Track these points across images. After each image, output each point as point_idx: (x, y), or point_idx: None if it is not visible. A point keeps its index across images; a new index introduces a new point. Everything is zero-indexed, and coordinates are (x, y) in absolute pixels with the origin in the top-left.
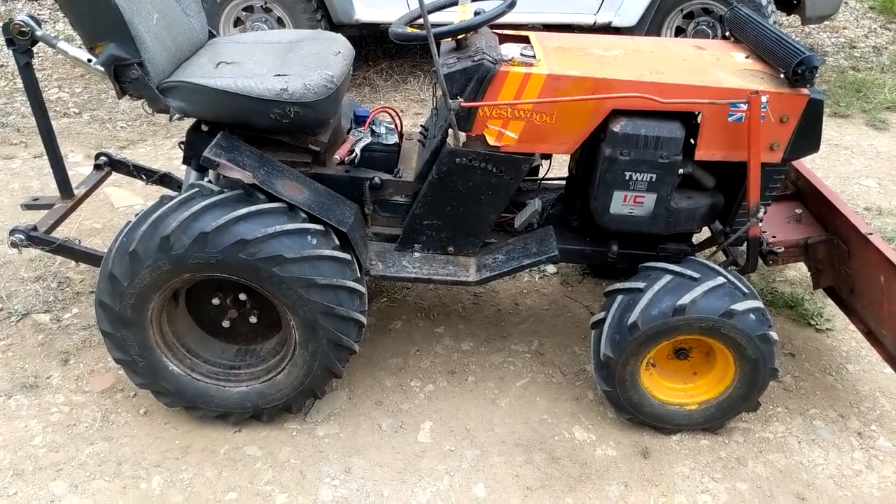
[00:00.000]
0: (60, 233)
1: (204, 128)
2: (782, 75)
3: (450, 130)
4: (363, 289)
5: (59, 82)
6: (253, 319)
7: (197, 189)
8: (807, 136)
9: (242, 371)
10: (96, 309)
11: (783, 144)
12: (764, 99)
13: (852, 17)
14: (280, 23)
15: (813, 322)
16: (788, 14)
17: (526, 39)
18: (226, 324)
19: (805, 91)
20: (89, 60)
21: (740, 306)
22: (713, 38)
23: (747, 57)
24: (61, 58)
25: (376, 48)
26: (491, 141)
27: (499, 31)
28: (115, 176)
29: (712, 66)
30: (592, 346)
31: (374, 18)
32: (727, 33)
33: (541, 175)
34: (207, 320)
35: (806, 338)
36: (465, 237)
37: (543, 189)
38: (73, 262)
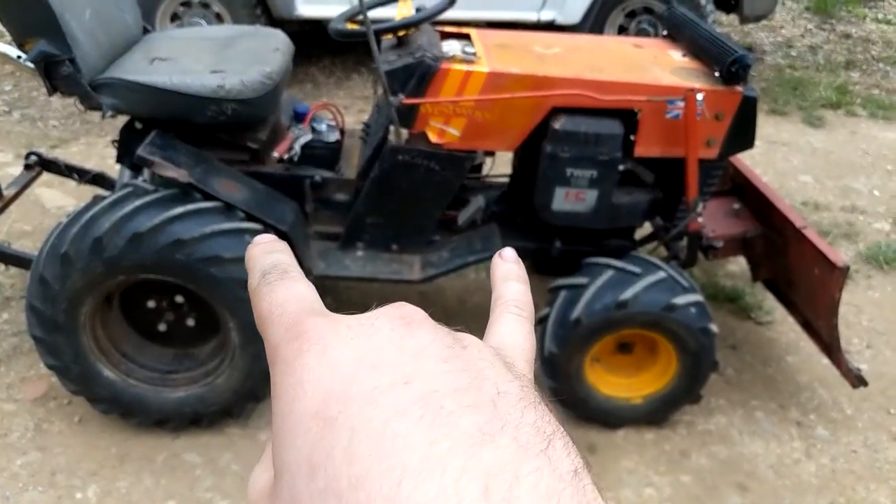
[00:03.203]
0: None
1: (138, 125)
2: (717, 73)
3: (391, 127)
4: None
5: None
6: (190, 322)
7: (131, 188)
8: (742, 133)
9: (180, 375)
10: (27, 314)
11: (719, 140)
12: (700, 96)
13: (789, 17)
14: (219, 18)
15: (753, 315)
16: (727, 13)
17: (467, 37)
18: (162, 327)
19: (739, 88)
20: (19, 57)
21: (681, 300)
22: (654, 36)
23: (684, 55)
24: None
25: (318, 44)
26: (433, 138)
27: (440, 29)
28: (46, 176)
29: (650, 64)
30: (537, 343)
31: (315, 14)
32: (665, 32)
33: (484, 172)
34: (143, 324)
35: (747, 330)
36: (409, 235)
37: (487, 186)
38: (3, 266)
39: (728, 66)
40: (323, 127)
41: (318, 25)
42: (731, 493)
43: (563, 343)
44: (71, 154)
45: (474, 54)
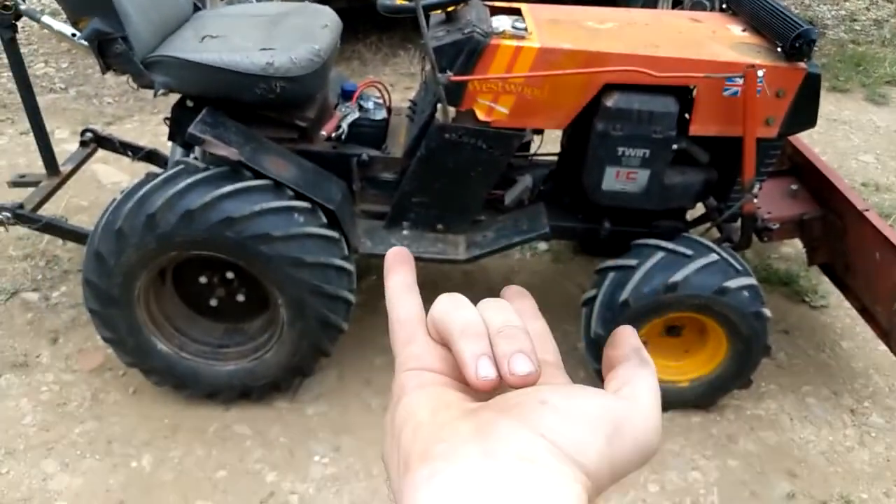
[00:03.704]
0: (47, 210)
1: (189, 103)
2: (779, 49)
3: (439, 105)
4: (351, 267)
5: (45, 57)
6: (240, 298)
7: (182, 166)
8: (803, 111)
9: (230, 350)
10: (83, 287)
11: (779, 119)
12: (760, 73)
13: None
14: None
15: (807, 299)
16: None
17: (518, 11)
18: (213, 302)
19: (802, 65)
20: (73, 35)
21: (733, 283)
22: (710, 10)
23: (744, 30)
24: (46, 32)
25: (365, 21)
26: (481, 116)
27: (490, 3)
28: (101, 152)
29: (708, 40)
30: (583, 324)
31: None
32: (724, 5)
33: (532, 151)
34: (195, 299)
35: (800, 314)
36: (455, 214)
37: (535, 165)
38: (61, 241)
39: (792, 41)
40: (370, 105)
41: (365, 2)
42: (779, 479)
43: (610, 326)
44: (125, 131)
45: (525, 29)
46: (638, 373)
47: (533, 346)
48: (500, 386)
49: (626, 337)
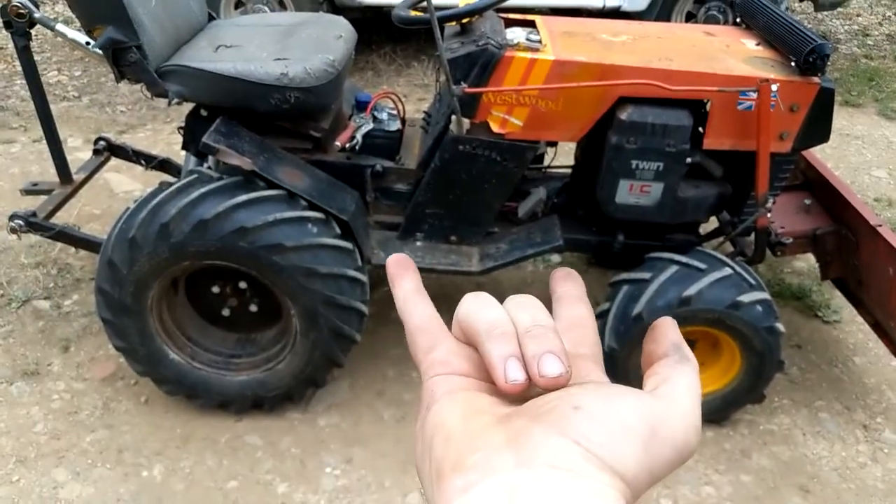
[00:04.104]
0: (60, 218)
1: (203, 113)
2: (793, 63)
3: (453, 117)
4: (364, 278)
5: (59, 65)
6: (253, 308)
7: (196, 175)
8: (817, 126)
9: (243, 360)
10: (96, 296)
11: (793, 134)
12: (774, 87)
13: (866, 4)
14: (282, 5)
15: (820, 314)
16: (801, 0)
17: (532, 24)
18: (226, 312)
19: (816, 79)
20: (87, 43)
21: (747, 298)
22: (724, 24)
23: (758, 44)
24: (60, 40)
25: (380, 32)
26: (495, 128)
27: (504, 16)
28: (114, 161)
29: (722, 53)
30: None
31: (377, 1)
32: (738, 19)
33: (546, 163)
34: (207, 309)
35: (813, 329)
36: (469, 226)
37: (548, 177)
38: (73, 249)
39: (806, 55)
40: (384, 116)
41: (380, 12)
42: (792, 495)
43: (624, 339)
44: (138, 140)
45: (539, 42)
46: (677, 369)
47: (562, 345)
48: (531, 387)
49: (666, 331)
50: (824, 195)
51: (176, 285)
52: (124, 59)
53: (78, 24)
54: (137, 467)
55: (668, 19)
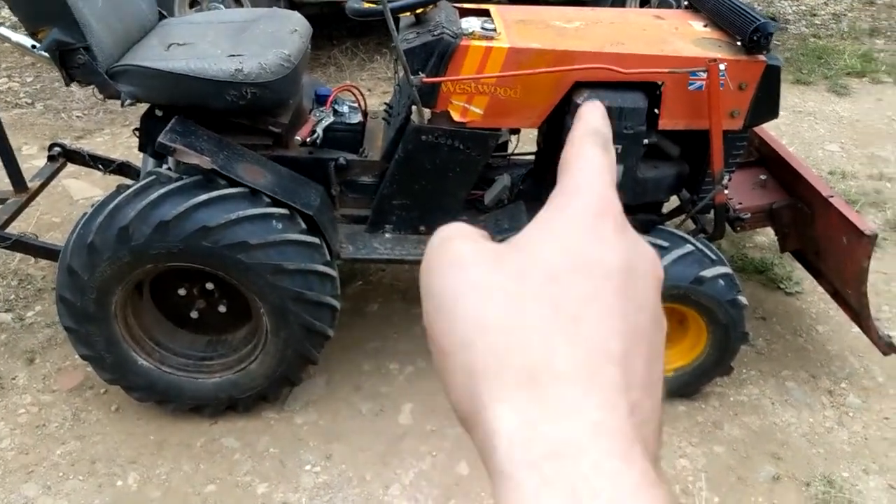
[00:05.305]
0: (17, 228)
1: (158, 113)
2: (739, 43)
3: (414, 107)
4: (334, 272)
5: (9, 71)
6: (222, 309)
7: (154, 176)
8: (766, 102)
9: (214, 362)
10: (57, 305)
11: (743, 111)
12: (722, 67)
13: None
14: (237, 2)
15: (782, 286)
16: None
17: (486, 13)
18: (194, 314)
19: (762, 58)
20: (33, 47)
21: (709, 272)
22: (677, 8)
23: (705, 25)
24: (8, 46)
25: (340, 27)
26: (456, 117)
27: (459, 5)
28: (73, 167)
29: (672, 36)
30: None
31: None
32: (686, 2)
33: (510, 150)
34: (175, 312)
35: (776, 301)
36: (436, 216)
37: (513, 164)
38: (33, 259)
39: (750, 34)
40: (345, 109)
41: (339, 7)
42: (764, 463)
43: None
44: (96, 144)
45: (494, 30)
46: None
47: None
48: None
49: (583, 116)
50: (779, 170)
51: (140, 289)
52: (72, 61)
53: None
54: (111, 477)
55: (623, 5)
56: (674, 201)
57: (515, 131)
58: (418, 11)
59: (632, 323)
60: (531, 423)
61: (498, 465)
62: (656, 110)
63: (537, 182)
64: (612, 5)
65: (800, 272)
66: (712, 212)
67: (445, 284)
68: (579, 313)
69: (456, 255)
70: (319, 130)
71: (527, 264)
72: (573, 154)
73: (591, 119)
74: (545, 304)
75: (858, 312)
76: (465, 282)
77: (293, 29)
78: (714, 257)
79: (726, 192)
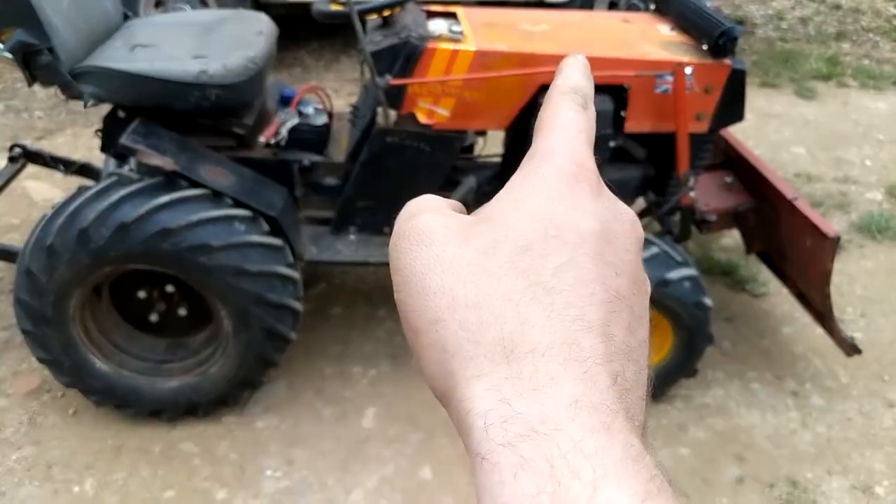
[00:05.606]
0: None
1: (121, 114)
2: (705, 47)
3: (379, 109)
4: (297, 275)
5: None
6: (182, 312)
7: (115, 178)
8: (731, 106)
9: (174, 365)
10: (15, 307)
11: (709, 114)
12: (688, 70)
13: None
14: (203, 3)
15: (748, 287)
16: None
17: (454, 15)
18: (154, 318)
19: (727, 61)
20: None
21: (675, 275)
22: (645, 11)
23: (672, 29)
24: None
25: (306, 28)
26: (422, 119)
27: (426, 8)
28: (33, 168)
29: (638, 39)
30: None
31: None
32: (653, 6)
33: (476, 152)
34: (134, 315)
35: (742, 303)
36: None
37: (479, 166)
38: None
39: (716, 39)
40: (310, 110)
41: (305, 8)
42: (728, 465)
43: None
44: (58, 145)
45: (461, 33)
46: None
47: None
48: None
49: (563, 71)
50: (744, 173)
51: (99, 292)
52: (36, 62)
53: None
54: (68, 483)
55: (591, 8)
56: (640, 203)
57: (482, 133)
58: (385, 13)
59: (611, 288)
60: (507, 400)
61: (474, 447)
62: (622, 113)
63: (503, 184)
64: (581, 8)
65: (765, 274)
66: (678, 214)
67: (414, 262)
68: (554, 283)
69: (423, 230)
70: (284, 132)
71: (497, 236)
72: (549, 113)
73: (571, 75)
74: (518, 277)
75: (823, 314)
76: (433, 258)
77: (259, 31)
78: (680, 259)
79: (692, 194)
